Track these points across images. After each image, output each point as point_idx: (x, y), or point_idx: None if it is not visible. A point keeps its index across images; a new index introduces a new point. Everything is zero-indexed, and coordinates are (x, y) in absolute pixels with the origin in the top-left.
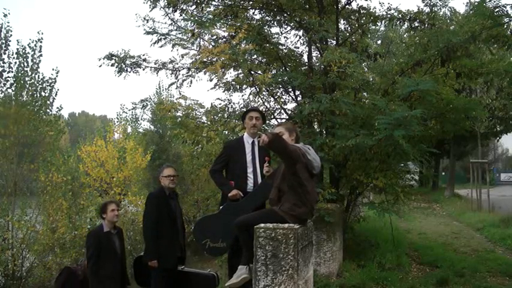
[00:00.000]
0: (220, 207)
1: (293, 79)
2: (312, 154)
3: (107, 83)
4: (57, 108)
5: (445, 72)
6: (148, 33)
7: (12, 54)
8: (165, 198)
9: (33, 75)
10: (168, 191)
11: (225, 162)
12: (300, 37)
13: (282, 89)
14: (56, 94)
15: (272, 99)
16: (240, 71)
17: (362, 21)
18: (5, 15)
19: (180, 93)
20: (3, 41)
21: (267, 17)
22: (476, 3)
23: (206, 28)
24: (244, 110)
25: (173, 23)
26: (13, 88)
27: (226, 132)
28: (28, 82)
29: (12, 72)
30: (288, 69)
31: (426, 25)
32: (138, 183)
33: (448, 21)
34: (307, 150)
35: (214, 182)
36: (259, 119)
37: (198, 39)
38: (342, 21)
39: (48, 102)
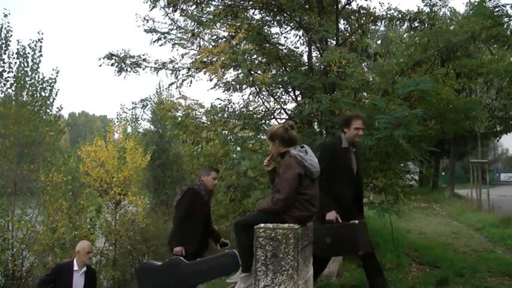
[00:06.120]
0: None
1: (293, 79)
2: (309, 160)
3: (107, 83)
4: (57, 108)
5: (445, 72)
6: (149, 31)
7: (13, 54)
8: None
9: (33, 75)
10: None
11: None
12: (300, 37)
13: (282, 89)
14: (56, 94)
15: (272, 99)
16: (240, 71)
17: (362, 21)
18: (5, 16)
19: (180, 93)
20: (4, 41)
21: (267, 17)
22: (476, 3)
23: (206, 28)
24: (244, 110)
25: (173, 23)
26: (13, 88)
27: (226, 133)
28: (28, 82)
29: (12, 72)
30: (288, 69)
31: (426, 25)
32: (138, 183)
33: (448, 21)
34: (303, 157)
35: None
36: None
37: (198, 39)
38: (342, 21)
39: (48, 102)
